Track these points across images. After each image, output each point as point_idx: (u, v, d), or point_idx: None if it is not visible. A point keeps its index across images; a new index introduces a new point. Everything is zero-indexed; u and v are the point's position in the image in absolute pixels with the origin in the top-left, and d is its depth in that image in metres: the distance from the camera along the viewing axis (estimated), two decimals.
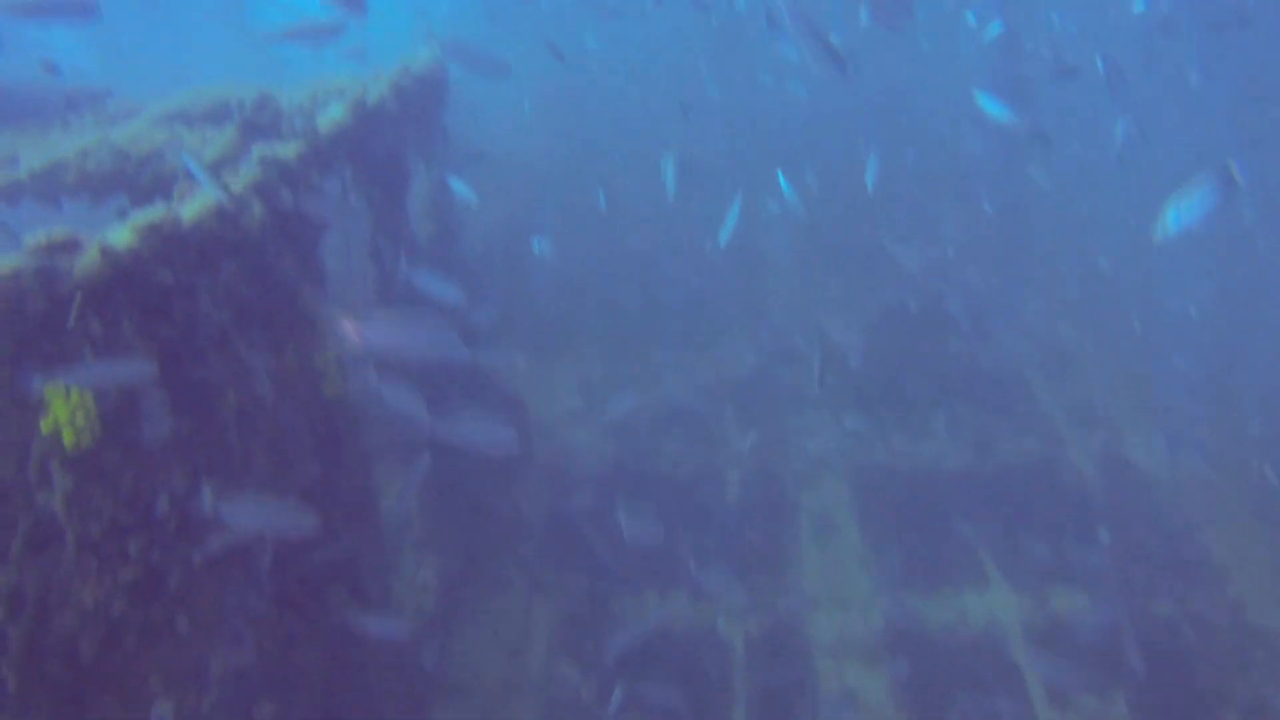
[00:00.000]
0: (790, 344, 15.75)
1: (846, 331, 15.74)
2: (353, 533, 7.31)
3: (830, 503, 12.45)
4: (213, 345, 5.44)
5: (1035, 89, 17.05)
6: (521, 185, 19.31)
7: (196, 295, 5.17)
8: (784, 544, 11.77)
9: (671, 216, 19.08)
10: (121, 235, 4.73)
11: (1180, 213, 6.57)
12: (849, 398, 14.19)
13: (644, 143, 18.86)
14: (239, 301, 5.73)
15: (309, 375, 6.80)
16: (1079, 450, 13.21)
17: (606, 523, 10.33)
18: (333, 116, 7.38)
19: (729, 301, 16.95)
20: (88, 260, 4.52)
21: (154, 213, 4.90)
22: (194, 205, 5.21)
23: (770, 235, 18.49)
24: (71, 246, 4.53)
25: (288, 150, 6.40)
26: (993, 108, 7.95)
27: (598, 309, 16.55)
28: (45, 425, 4.65)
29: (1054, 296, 16.62)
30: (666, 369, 15.46)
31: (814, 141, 18.47)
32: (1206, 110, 17.61)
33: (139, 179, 6.81)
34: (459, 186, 10.31)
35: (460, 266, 11.03)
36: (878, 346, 15.48)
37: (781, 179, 13.28)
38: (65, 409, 4.63)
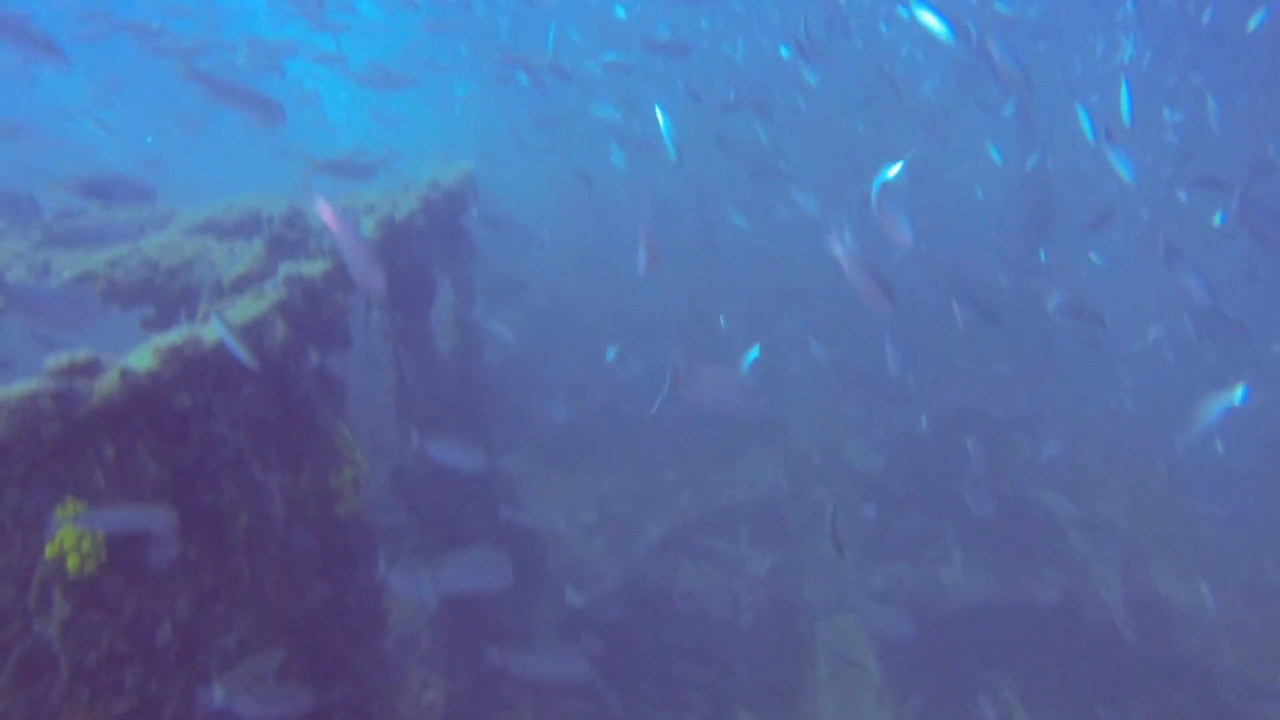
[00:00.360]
0: (809, 465, 15.54)
1: (866, 455, 15.58)
2: (359, 655, 7.07)
3: (848, 636, 12.06)
4: (227, 467, 5.32)
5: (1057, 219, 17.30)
6: (541, 299, 19.50)
7: (214, 417, 5.07)
8: (799, 679, 11.36)
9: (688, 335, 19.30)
10: (142, 358, 4.67)
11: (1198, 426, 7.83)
12: (867, 531, 13.91)
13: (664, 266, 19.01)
14: (256, 422, 5.64)
15: (323, 495, 6.66)
16: (1106, 587, 12.82)
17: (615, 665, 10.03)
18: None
19: (748, 420, 16.79)
20: (107, 383, 4.44)
21: (177, 335, 4.84)
22: (215, 330, 5.15)
23: (789, 358, 18.50)
24: (93, 369, 4.46)
25: (314, 269, 6.39)
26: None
27: (614, 423, 16.42)
28: (50, 550, 4.50)
29: (1078, 424, 16.39)
30: (683, 486, 15.22)
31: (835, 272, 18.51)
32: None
33: (167, 290, 6.81)
34: (496, 327, 10.35)
35: (480, 380, 10.97)
36: (897, 470, 15.28)
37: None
38: (72, 534, 4.50)
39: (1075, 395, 17.17)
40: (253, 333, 5.51)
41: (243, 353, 4.89)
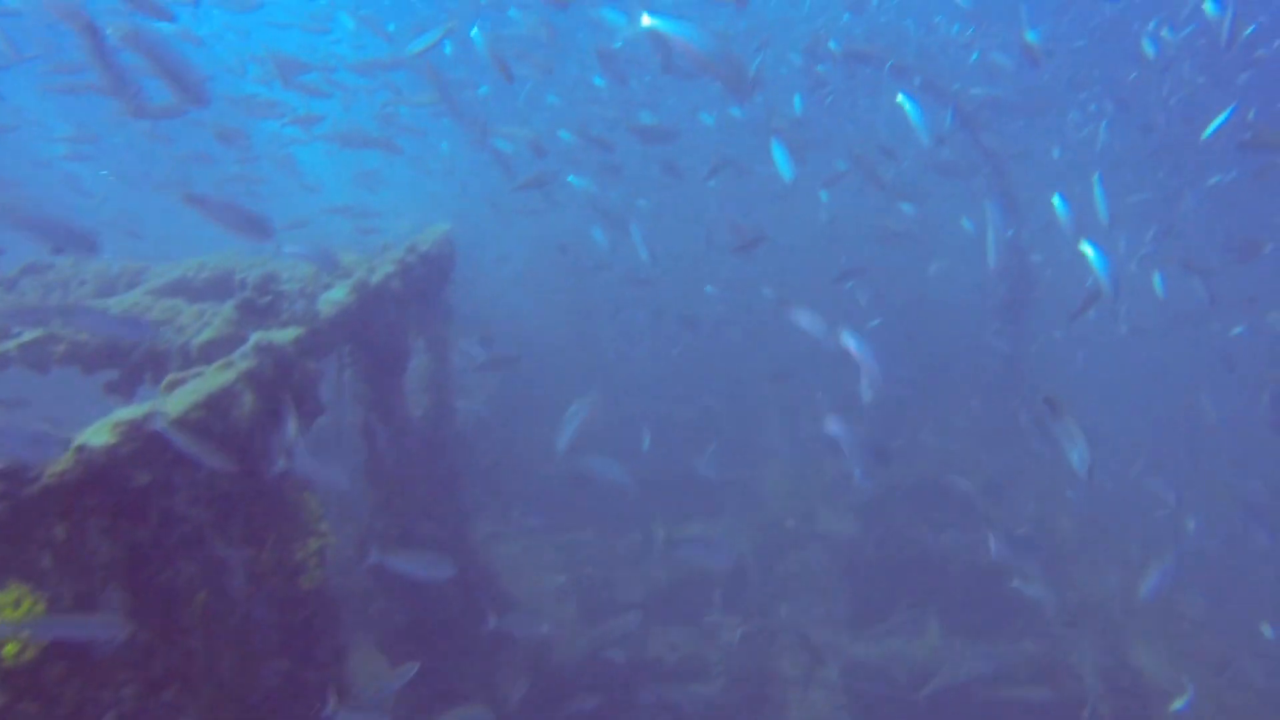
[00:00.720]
0: (783, 530, 15.39)
1: (840, 520, 15.44)
2: None
3: (822, 707, 11.84)
4: (186, 544, 5.13)
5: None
6: (516, 342, 19.38)
7: (174, 494, 4.89)
8: None
9: (664, 395, 19.26)
10: (100, 433, 4.50)
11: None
12: (843, 593, 13.75)
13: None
14: (220, 496, 5.45)
15: (287, 568, 6.45)
16: (1080, 656, 12.69)
17: None
18: (335, 299, 7.29)
19: (723, 482, 16.67)
20: (61, 461, 4.26)
21: (138, 409, 4.68)
22: (181, 400, 4.99)
23: (764, 423, 18.47)
24: (47, 444, 4.29)
25: (285, 336, 6.25)
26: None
27: (587, 482, 16.22)
28: None
29: (1053, 490, 16.39)
30: (656, 546, 15.02)
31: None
32: None
33: (131, 355, 6.64)
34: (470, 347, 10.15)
35: (453, 443, 10.81)
36: (872, 534, 15.15)
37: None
38: (14, 616, 4.28)
39: (1045, 463, 17.19)
40: (219, 405, 5.35)
41: (187, 445, 4.74)
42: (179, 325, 6.79)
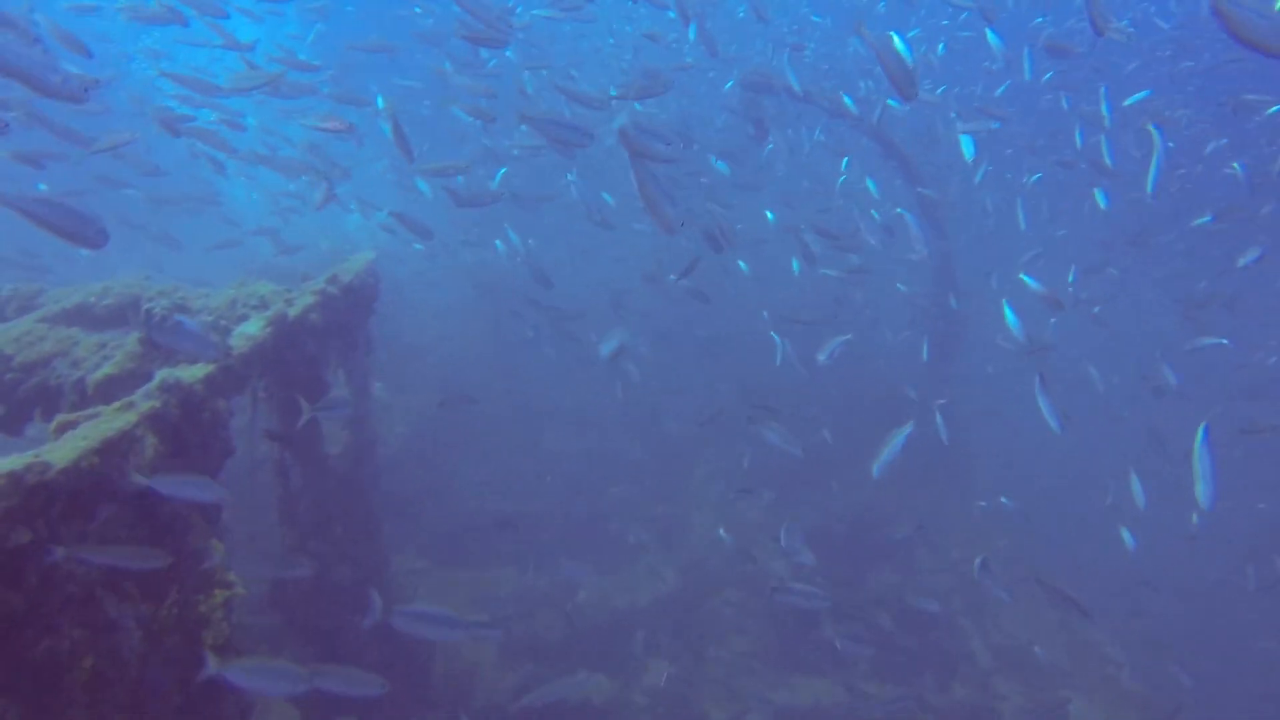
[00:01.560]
0: (710, 568, 15.13)
1: (771, 559, 15.23)
2: None
3: None
4: (72, 605, 4.63)
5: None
6: (441, 380, 18.88)
7: (58, 551, 4.40)
8: None
9: (589, 420, 18.88)
10: None
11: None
12: (771, 634, 13.52)
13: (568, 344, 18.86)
14: (114, 550, 4.96)
15: (189, 623, 5.94)
16: (1010, 704, 12.67)
17: None
18: (249, 333, 6.82)
19: (648, 517, 16.35)
20: None
21: (18, 460, 4.19)
22: (69, 449, 4.51)
23: (695, 454, 18.22)
24: None
25: (194, 374, 5.78)
26: None
27: (507, 515, 15.76)
28: None
29: (985, 537, 16.44)
30: (580, 587, 14.61)
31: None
32: None
33: (20, 389, 6.10)
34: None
35: (372, 480, 10.31)
36: (801, 576, 14.96)
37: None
38: None
39: (975, 506, 17.27)
40: (117, 451, 4.87)
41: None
42: (75, 358, 6.26)
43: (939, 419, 13.29)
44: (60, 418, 5.00)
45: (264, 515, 8.79)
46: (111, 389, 5.64)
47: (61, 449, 4.51)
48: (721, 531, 14.90)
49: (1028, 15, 18.86)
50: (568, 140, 7.98)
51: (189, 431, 5.78)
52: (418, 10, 20.66)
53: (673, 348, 21.01)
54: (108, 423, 4.95)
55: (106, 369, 5.75)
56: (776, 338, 13.08)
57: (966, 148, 10.76)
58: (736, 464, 17.16)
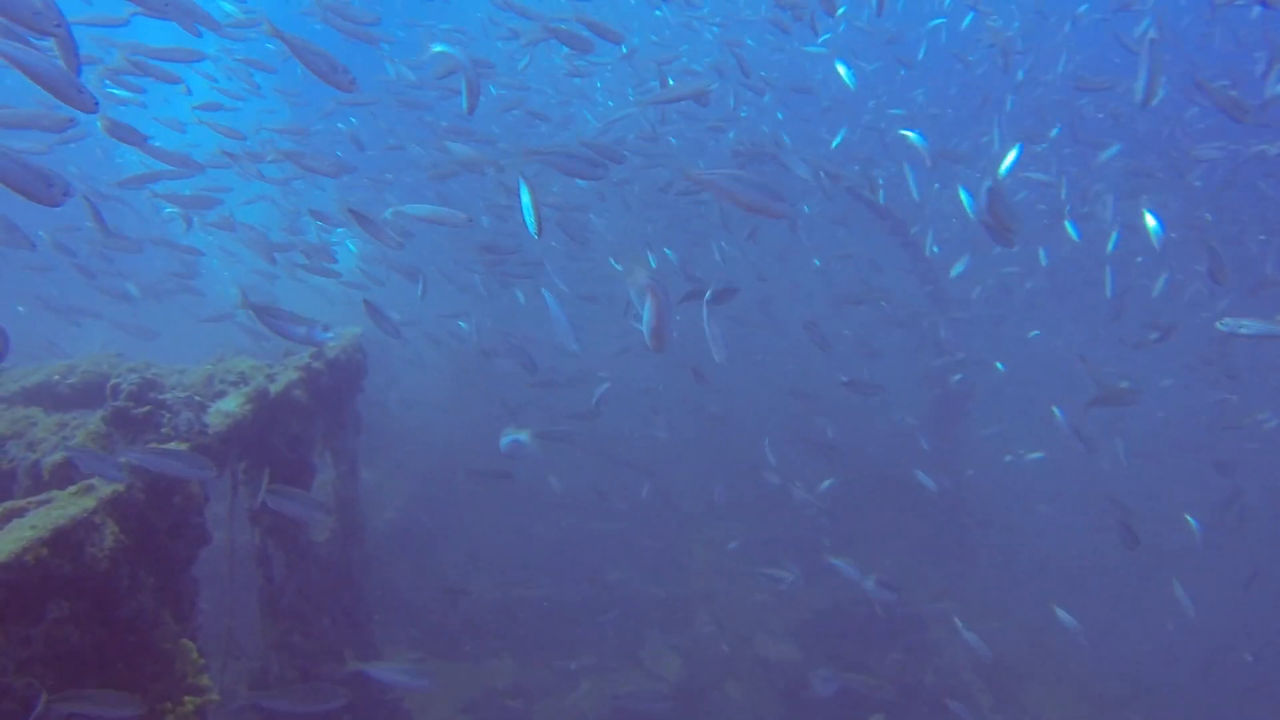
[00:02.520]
0: (717, 655, 14.36)
1: (779, 644, 14.51)
2: None
3: None
4: None
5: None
6: (431, 459, 18.28)
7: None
8: None
9: (583, 503, 18.21)
10: None
11: None
12: None
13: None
14: (65, 655, 4.36)
15: None
16: None
17: None
18: (227, 410, 6.29)
19: (651, 603, 15.62)
20: None
21: None
22: (13, 539, 3.94)
23: (696, 530, 17.58)
24: None
25: None
26: None
27: (503, 605, 15.01)
28: None
29: (1001, 606, 15.79)
30: (582, 677, 13.83)
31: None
32: None
33: None
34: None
35: (360, 568, 9.66)
36: (814, 659, 14.23)
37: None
38: None
39: (986, 578, 16.69)
40: (70, 541, 4.30)
41: None
42: (31, 440, 5.71)
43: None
44: (7, 504, 4.44)
45: (244, 608, 8.13)
46: (70, 474, 5.08)
47: (4, 540, 3.94)
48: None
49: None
50: (583, 173, 7.59)
51: (157, 519, 5.21)
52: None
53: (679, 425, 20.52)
54: (61, 509, 4.39)
55: (64, 451, 5.20)
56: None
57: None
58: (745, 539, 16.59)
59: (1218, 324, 8.30)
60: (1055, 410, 9.61)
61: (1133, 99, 7.59)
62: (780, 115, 20.34)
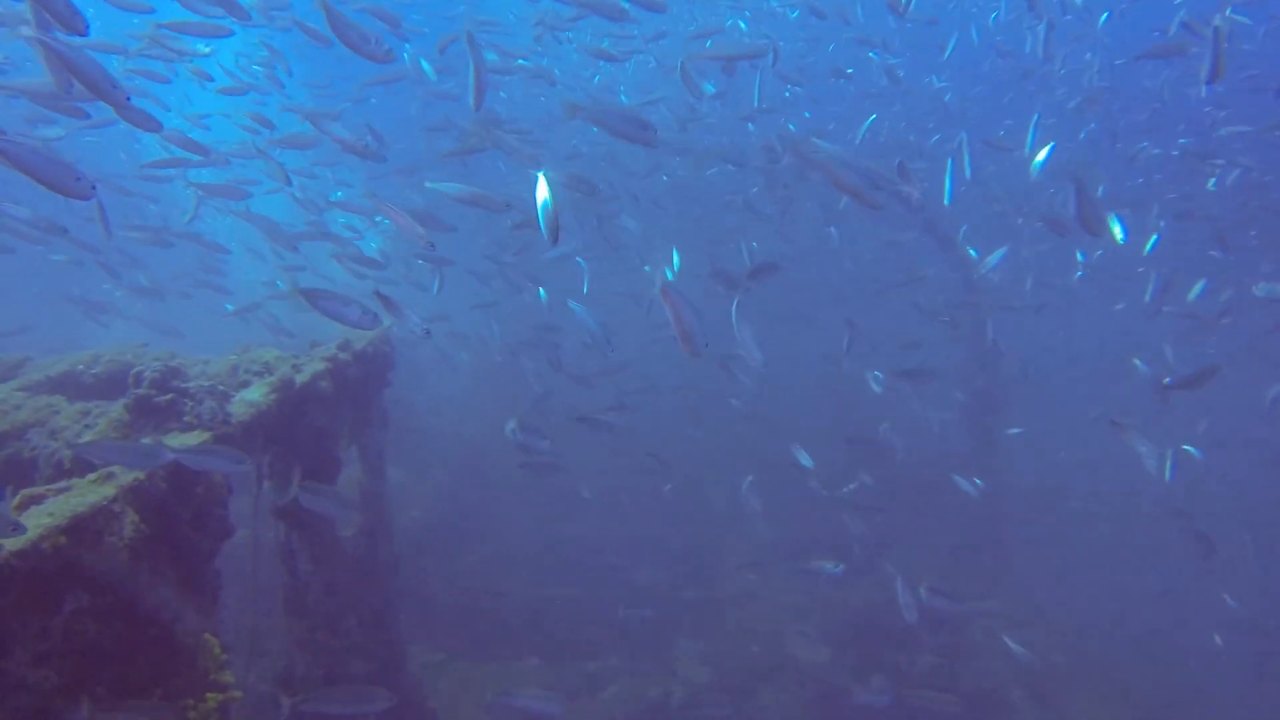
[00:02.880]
0: (747, 657, 14.10)
1: (810, 645, 14.23)
2: None
3: None
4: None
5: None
6: (459, 459, 18.14)
7: (10, 654, 3.64)
8: None
9: (613, 504, 17.99)
10: None
11: None
12: None
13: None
14: (84, 648, 4.19)
15: None
16: None
17: None
18: (252, 399, 6.13)
19: (681, 604, 15.36)
20: None
21: None
22: (35, 523, 3.78)
23: (729, 529, 17.33)
24: None
25: (187, 443, 5.07)
26: None
27: (531, 604, 14.80)
28: None
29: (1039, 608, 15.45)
30: (609, 679, 13.60)
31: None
32: None
33: None
34: None
35: (388, 565, 9.50)
36: (845, 660, 13.95)
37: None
38: None
39: (1029, 582, 16.34)
40: (89, 529, 4.14)
41: None
42: (53, 428, 5.56)
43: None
44: (25, 492, 4.28)
45: (268, 606, 7.98)
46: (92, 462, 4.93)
47: (12, 539, 3.77)
48: None
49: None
50: (630, 135, 7.34)
51: (179, 508, 5.05)
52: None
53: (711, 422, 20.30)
54: (80, 496, 4.23)
55: (88, 437, 5.05)
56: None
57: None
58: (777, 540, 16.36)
59: (1255, 289, 8.05)
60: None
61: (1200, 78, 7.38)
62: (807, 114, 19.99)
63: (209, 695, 5.26)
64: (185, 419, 5.53)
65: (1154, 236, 13.73)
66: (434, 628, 13.60)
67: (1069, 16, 16.79)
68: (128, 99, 5.50)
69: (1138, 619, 16.38)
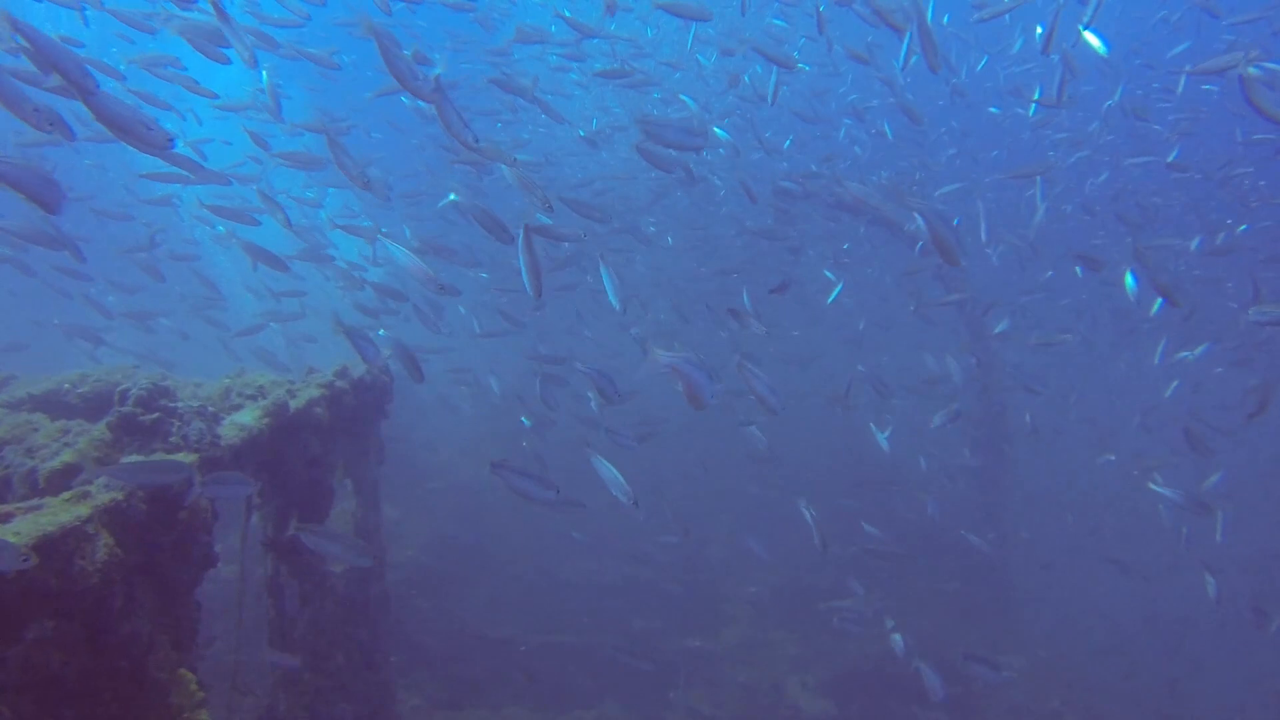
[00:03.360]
0: (748, 707, 13.68)
1: (812, 697, 13.79)
2: None
3: None
4: None
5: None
6: (454, 503, 17.76)
7: None
8: None
9: (611, 551, 17.56)
10: None
11: None
12: None
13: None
14: (46, 680, 3.88)
15: None
16: None
17: None
18: (243, 422, 5.85)
19: (679, 652, 14.93)
20: None
21: None
22: None
23: (727, 578, 16.93)
24: None
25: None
26: None
27: (525, 651, 14.36)
28: None
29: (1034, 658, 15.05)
30: None
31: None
32: None
33: None
34: None
35: (379, 604, 9.14)
36: (848, 714, 13.52)
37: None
38: None
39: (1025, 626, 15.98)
40: (58, 551, 3.85)
41: None
42: (31, 446, 5.28)
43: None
44: (10, 505, 4.00)
45: (253, 641, 7.63)
46: (66, 481, 4.64)
47: None
48: None
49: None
50: (682, 144, 7.29)
51: (159, 533, 4.76)
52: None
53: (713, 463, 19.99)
54: (51, 515, 3.95)
55: (65, 456, 4.76)
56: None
57: None
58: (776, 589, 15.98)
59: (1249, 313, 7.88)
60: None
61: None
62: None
63: None
64: (171, 440, 5.25)
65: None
66: (423, 671, 13.19)
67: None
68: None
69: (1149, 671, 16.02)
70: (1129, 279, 10.51)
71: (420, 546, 15.65)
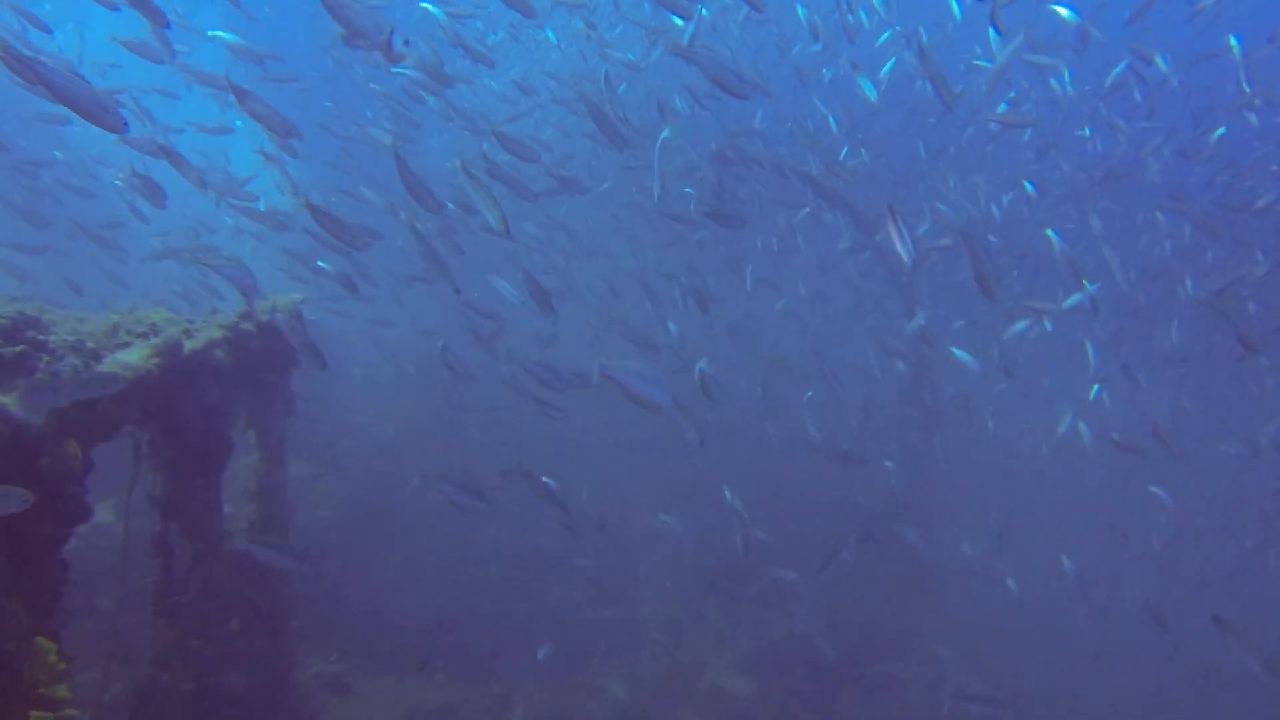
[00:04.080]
0: (665, 681, 13.39)
1: (733, 676, 13.56)
2: None
3: None
4: None
5: None
6: (373, 460, 17.12)
7: None
8: None
9: (528, 516, 17.09)
10: None
11: None
12: None
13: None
14: None
15: None
16: None
17: None
18: (128, 362, 5.21)
19: (594, 623, 14.56)
20: None
21: None
22: None
23: (646, 553, 16.59)
24: None
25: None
26: None
27: (439, 618, 13.84)
28: None
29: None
30: (518, 701, 12.75)
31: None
32: None
33: None
34: None
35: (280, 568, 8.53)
36: (773, 695, 13.32)
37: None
38: None
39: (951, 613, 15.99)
40: None
41: None
42: None
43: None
44: None
45: (135, 605, 6.98)
46: None
47: None
48: None
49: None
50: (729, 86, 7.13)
51: (17, 482, 4.13)
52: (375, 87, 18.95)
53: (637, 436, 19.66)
54: None
55: None
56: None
57: None
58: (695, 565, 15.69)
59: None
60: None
61: None
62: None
63: (33, 714, 4.32)
64: (38, 377, 4.60)
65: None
66: (327, 638, 12.59)
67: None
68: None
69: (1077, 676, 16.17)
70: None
71: (334, 507, 15.01)
